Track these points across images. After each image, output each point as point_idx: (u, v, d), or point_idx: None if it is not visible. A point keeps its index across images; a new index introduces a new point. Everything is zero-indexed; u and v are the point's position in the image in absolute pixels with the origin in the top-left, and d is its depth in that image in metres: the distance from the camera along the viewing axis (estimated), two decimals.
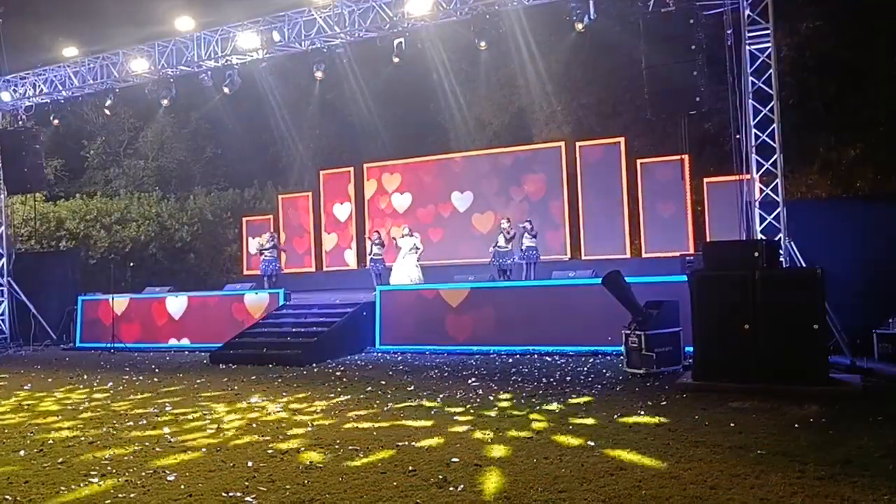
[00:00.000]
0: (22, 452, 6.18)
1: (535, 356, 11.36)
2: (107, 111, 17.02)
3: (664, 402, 7.41)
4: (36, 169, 17.22)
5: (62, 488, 5.11)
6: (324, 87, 18.73)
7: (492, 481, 4.93)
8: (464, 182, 18.11)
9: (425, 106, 22.32)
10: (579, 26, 11.99)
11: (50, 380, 10.87)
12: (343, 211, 19.51)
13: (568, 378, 9.21)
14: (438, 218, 18.29)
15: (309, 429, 6.79)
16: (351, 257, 19.21)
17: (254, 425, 7.02)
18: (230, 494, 4.86)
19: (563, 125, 20.41)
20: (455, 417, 7.05)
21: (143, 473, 5.41)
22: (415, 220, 18.05)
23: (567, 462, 5.32)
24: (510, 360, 11.10)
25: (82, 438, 6.67)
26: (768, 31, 10.59)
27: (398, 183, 18.90)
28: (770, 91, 10.63)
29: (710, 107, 11.35)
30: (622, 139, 16.58)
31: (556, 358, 11.11)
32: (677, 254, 14.63)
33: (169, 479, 5.26)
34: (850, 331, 9.68)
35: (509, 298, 12.53)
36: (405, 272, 14.83)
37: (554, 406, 7.43)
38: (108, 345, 14.87)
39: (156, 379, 10.60)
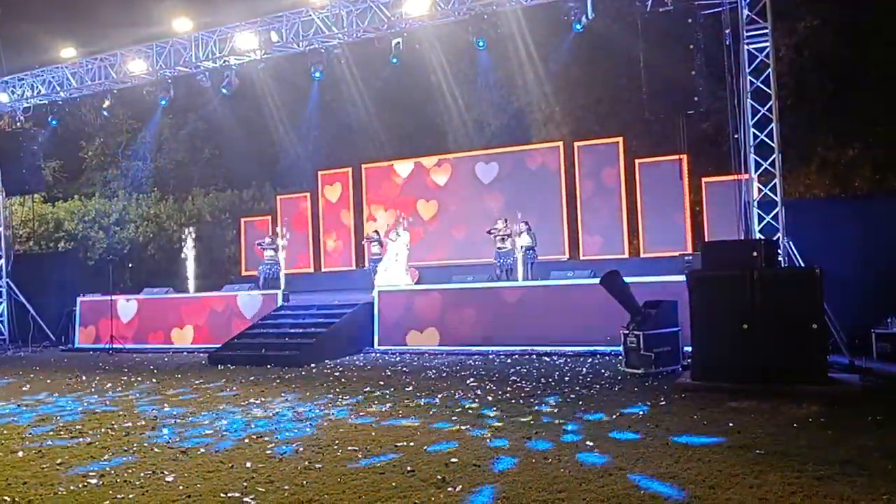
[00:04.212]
0: (20, 454, 6.17)
1: (534, 356, 11.37)
2: (105, 112, 16.99)
3: (663, 402, 7.42)
4: (34, 170, 17.26)
5: (61, 489, 5.10)
6: (322, 87, 18.70)
7: (490, 482, 4.93)
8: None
9: (424, 106, 22.28)
10: (578, 27, 12.02)
11: (49, 381, 10.85)
12: (344, 213, 19.47)
13: (566, 378, 9.21)
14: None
15: (307, 429, 6.79)
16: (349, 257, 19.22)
17: (252, 426, 7.02)
18: (229, 495, 4.85)
19: (562, 125, 20.39)
20: (453, 418, 7.04)
21: (142, 474, 5.40)
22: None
23: (565, 462, 5.32)
24: (509, 361, 11.10)
25: (80, 440, 6.66)
26: (766, 31, 10.61)
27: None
28: (768, 90, 10.65)
29: (708, 106, 11.36)
30: (620, 139, 16.58)
31: (555, 358, 11.11)
32: (676, 253, 14.65)
33: (167, 479, 5.25)
34: (849, 330, 9.70)
35: (507, 298, 12.53)
36: (393, 278, 14.35)
37: (552, 406, 7.44)
38: (107, 346, 14.86)
39: (154, 380, 10.59)
